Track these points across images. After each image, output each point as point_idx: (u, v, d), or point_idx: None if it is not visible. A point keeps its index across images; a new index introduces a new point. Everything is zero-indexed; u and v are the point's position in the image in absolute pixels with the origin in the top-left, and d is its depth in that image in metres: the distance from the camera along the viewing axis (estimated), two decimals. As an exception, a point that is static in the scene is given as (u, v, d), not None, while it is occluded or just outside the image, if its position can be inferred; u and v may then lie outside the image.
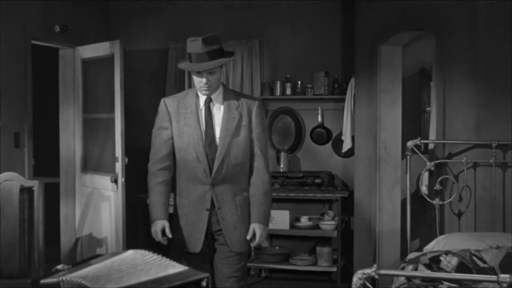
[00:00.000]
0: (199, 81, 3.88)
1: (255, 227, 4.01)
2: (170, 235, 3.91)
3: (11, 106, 5.86)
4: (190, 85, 7.24)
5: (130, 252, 2.48)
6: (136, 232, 7.01)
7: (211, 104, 3.97)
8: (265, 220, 4.05)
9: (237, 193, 4.01)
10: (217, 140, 3.94)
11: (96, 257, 2.56)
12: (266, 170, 4.07)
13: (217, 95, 3.97)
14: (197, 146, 3.92)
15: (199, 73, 3.85)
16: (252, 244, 4.05)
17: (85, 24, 7.14)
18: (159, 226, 3.91)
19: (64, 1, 6.71)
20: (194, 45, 3.82)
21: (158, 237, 3.92)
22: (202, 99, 3.98)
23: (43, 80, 7.65)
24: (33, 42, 6.23)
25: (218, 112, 3.97)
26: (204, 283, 2.34)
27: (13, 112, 5.91)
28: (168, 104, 4.02)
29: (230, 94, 4.04)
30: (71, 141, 6.93)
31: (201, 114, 3.97)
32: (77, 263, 2.52)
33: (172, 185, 4.05)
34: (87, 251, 6.76)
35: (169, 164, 4.01)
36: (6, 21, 5.82)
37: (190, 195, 4.00)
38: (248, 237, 4.02)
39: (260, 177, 4.04)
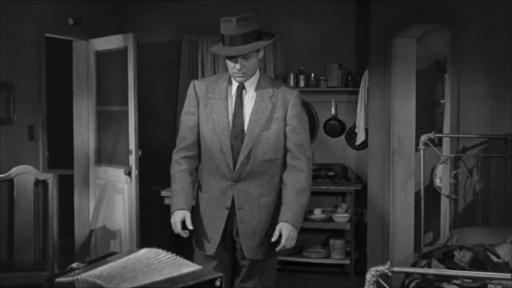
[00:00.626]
0: (232, 66, 3.47)
1: (282, 227, 3.49)
2: (191, 227, 3.50)
3: (25, 99, 5.88)
4: (204, 75, 7.24)
5: (144, 251, 2.48)
6: (149, 225, 7.04)
7: (243, 91, 3.57)
8: (295, 220, 3.50)
9: (263, 194, 3.57)
10: (245, 131, 3.52)
11: (110, 255, 2.57)
12: (304, 166, 3.55)
13: (251, 82, 3.56)
14: (222, 136, 3.52)
15: (233, 58, 3.45)
16: (277, 248, 3.52)
17: (99, 17, 7.15)
18: (179, 216, 3.50)
19: (78, -7, 6.71)
20: (227, 26, 3.41)
21: (177, 228, 3.50)
22: (235, 85, 3.57)
23: (57, 72, 7.67)
24: (47, 34, 6.24)
25: (250, 100, 3.56)
26: (218, 283, 2.34)
27: (27, 105, 5.93)
28: (197, 86, 3.63)
29: (266, 82, 3.60)
30: (85, 133, 6.96)
31: (231, 101, 3.57)
32: (91, 261, 2.53)
33: (196, 176, 3.71)
34: (101, 243, 6.80)
35: (194, 153, 3.63)
36: (20, 14, 5.84)
37: (211, 190, 3.61)
38: (273, 239, 3.49)
39: (294, 174, 3.55)
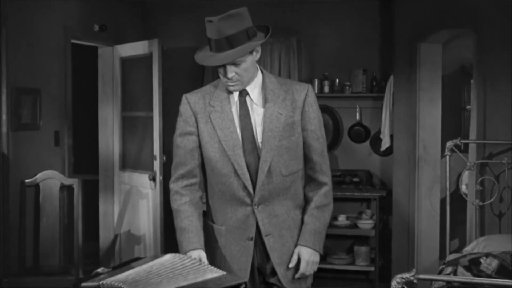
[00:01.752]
0: (223, 75, 2.94)
1: (301, 252, 3.06)
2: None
3: (51, 104, 5.93)
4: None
5: (168, 256, 2.49)
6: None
7: (247, 98, 3.02)
8: (316, 243, 3.07)
9: (290, 212, 3.08)
10: (259, 144, 2.99)
11: (135, 260, 2.58)
12: (324, 178, 3.12)
13: (254, 86, 3.03)
14: (234, 155, 2.96)
15: (221, 66, 2.91)
16: (296, 275, 3.08)
17: (124, 23, 7.19)
18: (195, 255, 2.90)
19: (103, 0, 6.76)
20: (210, 28, 2.87)
21: None
22: (236, 92, 3.03)
23: (83, 78, 7.73)
24: (73, 41, 6.29)
25: (258, 107, 3.02)
26: None
27: (53, 110, 5.98)
28: (192, 101, 3.07)
29: (272, 83, 3.05)
30: (109, 139, 7.00)
31: (236, 112, 3.02)
32: (116, 266, 2.54)
33: (201, 207, 3.16)
34: (125, 248, 6.83)
35: (196, 180, 3.09)
36: (47, 20, 5.89)
37: (228, 221, 3.05)
38: (291, 265, 3.06)
39: (315, 189, 3.11)
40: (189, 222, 3.01)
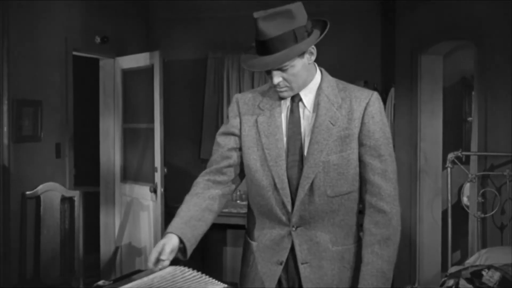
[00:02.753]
0: (270, 81, 2.61)
1: None
2: (165, 259, 2.52)
3: (52, 116, 5.93)
4: (229, 93, 7.25)
5: (169, 269, 2.47)
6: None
7: (300, 104, 2.65)
8: (380, 284, 2.58)
9: (336, 241, 2.63)
10: (304, 157, 2.60)
11: (136, 272, 2.56)
12: (383, 205, 2.60)
13: (310, 90, 2.65)
14: (275, 166, 2.60)
15: (268, 71, 2.58)
16: None
17: (125, 35, 7.20)
18: (161, 242, 2.59)
19: (105, 12, 6.78)
20: (256, 28, 2.53)
21: (151, 258, 2.53)
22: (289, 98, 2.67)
23: (84, 90, 7.74)
24: (74, 53, 6.30)
25: (310, 115, 2.63)
26: None
27: (55, 122, 5.98)
28: (241, 101, 2.75)
29: (331, 87, 2.67)
30: (111, 151, 6.99)
31: (285, 118, 2.66)
32: (117, 279, 2.52)
33: (218, 204, 2.79)
34: (126, 260, 6.81)
35: (224, 178, 2.74)
36: (48, 32, 5.90)
37: (262, 238, 2.70)
38: None
39: (374, 218, 2.59)
40: (185, 209, 2.68)
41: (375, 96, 2.63)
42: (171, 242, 2.53)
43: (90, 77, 7.47)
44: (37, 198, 5.52)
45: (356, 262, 2.64)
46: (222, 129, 2.77)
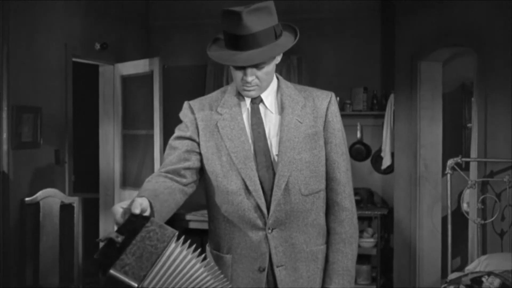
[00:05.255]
0: (240, 78, 2.49)
1: None
2: (137, 212, 2.17)
3: (52, 123, 5.93)
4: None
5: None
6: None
7: (261, 105, 2.58)
8: (346, 284, 2.58)
9: (309, 242, 2.57)
10: (275, 158, 2.53)
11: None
12: (347, 203, 2.60)
13: (270, 92, 2.59)
14: (245, 168, 2.50)
15: (241, 67, 2.47)
16: None
17: (125, 41, 7.21)
18: (136, 199, 2.22)
19: (104, 18, 6.79)
20: (232, 21, 2.40)
21: (116, 215, 2.26)
22: (248, 99, 2.59)
23: (83, 97, 7.74)
24: (74, 59, 6.31)
25: (273, 116, 2.58)
26: None
27: (54, 129, 5.98)
28: (195, 107, 2.63)
29: (290, 88, 2.62)
30: (110, 157, 6.99)
31: (247, 120, 2.58)
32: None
33: (181, 196, 2.54)
34: (125, 267, 6.79)
35: (182, 181, 2.53)
36: (48, 39, 5.91)
37: (235, 248, 2.55)
38: None
39: (337, 215, 2.60)
40: (155, 181, 2.44)
41: (334, 96, 2.65)
42: (141, 200, 2.21)
43: (90, 84, 7.47)
44: (37, 205, 5.51)
45: (325, 263, 2.62)
46: (176, 133, 2.61)
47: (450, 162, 5.35)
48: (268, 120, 2.57)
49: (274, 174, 2.51)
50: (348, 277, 2.57)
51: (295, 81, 7.22)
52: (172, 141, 2.61)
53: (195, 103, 2.64)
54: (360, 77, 7.23)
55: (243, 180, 2.50)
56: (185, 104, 2.65)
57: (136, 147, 6.71)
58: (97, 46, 6.62)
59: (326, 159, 2.58)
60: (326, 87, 7.51)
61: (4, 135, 5.34)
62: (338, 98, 7.16)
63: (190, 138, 2.57)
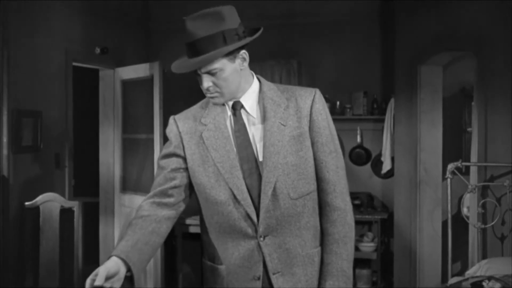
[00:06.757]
0: (200, 86, 2.51)
1: None
2: (99, 284, 2.24)
3: (52, 127, 5.93)
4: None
5: None
6: (174, 252, 7.02)
7: (242, 111, 2.54)
8: (342, 285, 2.54)
9: (305, 245, 2.54)
10: (260, 163, 2.50)
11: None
12: (339, 202, 2.55)
13: (249, 96, 2.54)
14: (231, 177, 2.48)
15: (197, 74, 2.49)
16: None
17: (125, 45, 7.22)
18: (104, 265, 2.32)
19: (105, 23, 6.79)
20: (185, 29, 2.49)
21: (86, 281, 2.28)
22: (230, 106, 2.56)
23: (84, 101, 7.74)
24: (74, 63, 6.31)
25: (256, 120, 2.54)
26: None
27: (54, 133, 5.98)
28: (180, 121, 2.62)
29: (272, 90, 2.57)
30: (110, 161, 6.99)
31: (231, 128, 2.55)
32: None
33: (166, 226, 2.59)
34: (125, 271, 6.78)
35: (170, 201, 2.57)
36: (48, 43, 5.91)
37: (229, 258, 2.53)
38: None
39: (329, 215, 2.55)
40: (131, 232, 2.48)
41: (319, 93, 2.59)
42: (108, 266, 2.31)
43: (90, 88, 7.48)
44: (36, 209, 5.51)
45: (320, 265, 2.59)
46: (163, 152, 2.64)
47: (450, 166, 5.35)
48: (251, 126, 2.53)
49: (261, 179, 2.48)
50: (343, 278, 2.52)
51: (295, 85, 7.18)
52: (159, 160, 2.63)
53: (180, 116, 2.64)
54: (360, 81, 7.24)
55: (230, 189, 2.47)
56: (170, 119, 2.66)
57: (136, 151, 6.71)
58: (97, 50, 6.62)
59: (314, 159, 2.53)
60: (326, 92, 7.58)
61: (4, 139, 5.33)
62: (338, 103, 7.17)
63: (175, 154, 2.58)
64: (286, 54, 7.29)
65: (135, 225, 2.51)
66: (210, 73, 2.43)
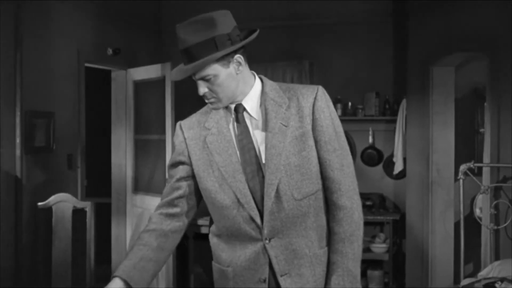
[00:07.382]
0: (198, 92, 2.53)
1: None
2: None
3: (64, 127, 5.95)
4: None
5: None
6: (186, 253, 7.03)
7: (245, 113, 2.53)
8: (347, 285, 2.49)
9: (313, 245, 2.50)
10: (263, 165, 2.48)
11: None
12: (344, 200, 2.50)
13: (251, 98, 2.53)
14: (235, 181, 2.47)
15: (196, 81, 2.52)
16: None
17: (137, 46, 7.23)
18: (106, 287, 2.45)
19: (117, 24, 6.81)
20: (177, 36, 2.46)
21: None
22: (232, 109, 2.56)
23: (96, 102, 7.77)
24: (86, 64, 6.33)
25: (259, 122, 2.52)
26: None
27: (67, 133, 6.00)
28: (185, 127, 2.62)
29: (274, 90, 2.54)
30: (122, 162, 7.01)
31: (233, 131, 2.54)
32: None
33: (172, 240, 2.64)
34: (137, 272, 6.79)
35: (177, 211, 2.60)
36: (61, 44, 5.93)
37: (236, 260, 2.53)
38: None
39: (337, 214, 2.50)
40: (136, 249, 2.53)
41: (321, 90, 2.51)
42: (110, 287, 2.43)
43: (102, 89, 7.50)
44: (49, 209, 5.53)
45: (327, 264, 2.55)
46: (170, 160, 2.64)
47: (463, 167, 5.33)
48: (254, 128, 2.51)
49: (264, 182, 2.46)
50: (349, 277, 2.47)
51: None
52: (168, 169, 2.65)
53: (185, 122, 2.65)
54: (372, 82, 7.23)
55: (234, 193, 2.46)
56: (177, 126, 2.66)
57: (148, 152, 6.72)
58: (110, 51, 6.65)
59: (318, 158, 2.49)
60: (338, 92, 7.57)
61: (17, 140, 5.36)
62: (350, 103, 7.16)
63: (181, 162, 2.59)
64: (298, 55, 7.29)
65: (141, 239, 2.55)
66: (204, 79, 2.45)
